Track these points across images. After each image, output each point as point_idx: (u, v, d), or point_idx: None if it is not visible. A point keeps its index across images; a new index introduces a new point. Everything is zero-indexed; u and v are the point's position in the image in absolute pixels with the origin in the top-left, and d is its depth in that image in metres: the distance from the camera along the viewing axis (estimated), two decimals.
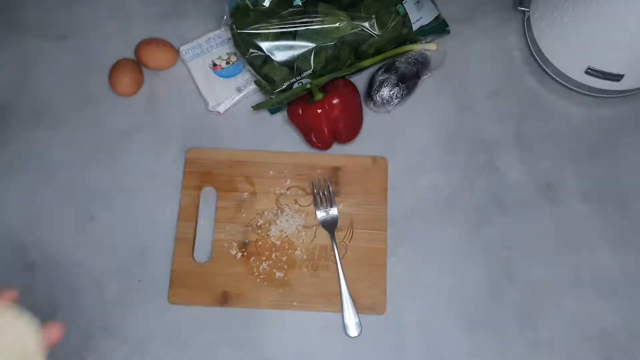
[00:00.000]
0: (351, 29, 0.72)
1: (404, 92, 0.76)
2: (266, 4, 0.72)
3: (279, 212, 0.73)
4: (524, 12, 0.81)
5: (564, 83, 0.78)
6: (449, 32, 0.81)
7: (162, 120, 0.77)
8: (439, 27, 0.79)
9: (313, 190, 0.73)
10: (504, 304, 0.70)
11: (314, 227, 0.72)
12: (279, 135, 0.77)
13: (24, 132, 0.76)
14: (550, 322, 0.70)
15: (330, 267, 0.70)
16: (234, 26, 0.72)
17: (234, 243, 0.71)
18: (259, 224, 0.72)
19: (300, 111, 0.72)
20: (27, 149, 0.75)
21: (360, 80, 0.79)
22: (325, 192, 0.73)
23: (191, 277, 0.70)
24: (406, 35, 0.77)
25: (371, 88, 0.76)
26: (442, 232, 0.73)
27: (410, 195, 0.75)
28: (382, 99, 0.75)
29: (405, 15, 0.75)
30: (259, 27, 0.71)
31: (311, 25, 0.71)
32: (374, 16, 0.73)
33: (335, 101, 0.71)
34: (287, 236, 0.72)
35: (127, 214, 0.73)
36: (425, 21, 0.77)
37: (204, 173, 0.74)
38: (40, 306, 0.69)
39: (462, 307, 0.70)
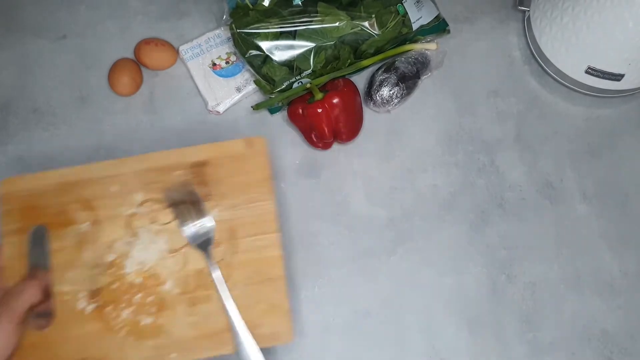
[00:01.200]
0: (351, 28, 0.72)
1: (404, 91, 0.76)
2: (266, 3, 0.72)
3: (133, 239, 0.58)
4: (524, 11, 0.81)
5: (564, 83, 0.78)
6: (449, 31, 0.81)
7: (162, 120, 0.77)
8: (438, 27, 0.79)
9: (169, 202, 0.58)
10: (504, 304, 0.70)
11: (183, 250, 0.58)
12: (279, 135, 0.77)
13: (24, 132, 0.76)
14: (550, 322, 0.70)
15: (213, 297, 0.56)
16: (233, 26, 0.72)
17: (80, 293, 0.56)
18: (109, 260, 0.58)
19: (300, 111, 0.72)
20: (27, 148, 0.75)
21: (360, 80, 0.79)
22: (187, 199, 0.58)
23: (33, 353, 0.54)
24: (406, 35, 0.77)
25: (371, 88, 0.76)
26: (442, 232, 0.73)
27: (410, 195, 0.75)
28: (382, 98, 0.75)
29: (405, 14, 0.75)
30: (258, 26, 0.71)
31: (311, 25, 0.71)
32: (373, 16, 0.73)
33: (335, 100, 0.70)
34: (149, 269, 0.57)
35: None
36: (425, 21, 0.77)
37: (26, 208, 0.58)
38: None
39: (462, 307, 0.70)
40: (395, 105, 0.76)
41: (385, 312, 0.70)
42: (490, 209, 0.74)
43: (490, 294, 0.71)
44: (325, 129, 0.71)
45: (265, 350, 0.56)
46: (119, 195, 0.58)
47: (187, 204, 0.58)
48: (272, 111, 0.77)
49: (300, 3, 0.72)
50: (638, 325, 0.70)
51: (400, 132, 0.78)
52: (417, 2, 0.76)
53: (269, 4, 0.72)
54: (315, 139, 0.74)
